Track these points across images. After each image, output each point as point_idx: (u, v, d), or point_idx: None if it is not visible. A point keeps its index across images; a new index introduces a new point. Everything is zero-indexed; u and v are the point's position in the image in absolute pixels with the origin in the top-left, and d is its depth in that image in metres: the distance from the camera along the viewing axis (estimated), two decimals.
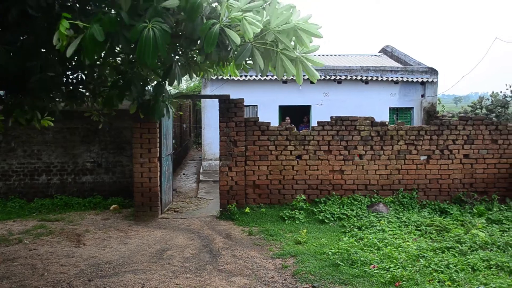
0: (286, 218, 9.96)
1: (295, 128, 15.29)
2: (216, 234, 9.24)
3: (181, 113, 16.77)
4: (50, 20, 4.83)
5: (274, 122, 15.53)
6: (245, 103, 15.97)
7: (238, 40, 4.69)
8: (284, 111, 17.03)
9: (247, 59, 5.27)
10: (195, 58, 6.20)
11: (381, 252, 7.42)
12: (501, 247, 7.68)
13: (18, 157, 11.88)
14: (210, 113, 16.58)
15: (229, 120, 10.42)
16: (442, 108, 21.89)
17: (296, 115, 17.38)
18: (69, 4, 5.09)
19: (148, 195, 10.37)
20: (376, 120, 10.86)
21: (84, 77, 6.85)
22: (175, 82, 8.17)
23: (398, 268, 6.70)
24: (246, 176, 10.63)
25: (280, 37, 4.85)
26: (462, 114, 14.84)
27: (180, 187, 15.19)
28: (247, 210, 10.32)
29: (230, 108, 10.43)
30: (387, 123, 10.77)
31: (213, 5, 5.31)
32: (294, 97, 16.87)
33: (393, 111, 17.33)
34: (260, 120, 10.84)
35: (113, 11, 4.65)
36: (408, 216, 9.68)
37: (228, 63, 6.25)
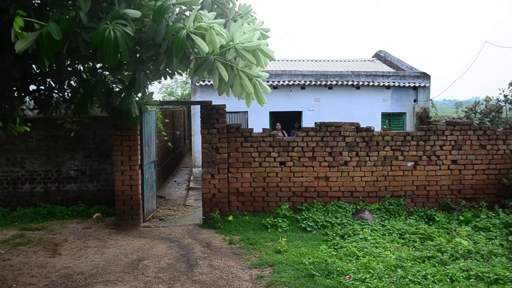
0: (268, 226, 9.78)
1: (286, 134, 15.20)
2: (196, 243, 9.06)
3: (167, 120, 16.56)
4: (3, 25, 4.70)
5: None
6: (236, 110, 15.97)
7: (206, 48, 4.56)
8: (275, 117, 16.87)
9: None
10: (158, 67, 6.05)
11: (359, 262, 7.22)
12: (484, 256, 7.46)
13: (1, 165, 11.72)
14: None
15: (211, 127, 10.25)
16: (436, 112, 21.68)
17: (287, 121, 17.20)
18: (25, 8, 4.95)
19: (129, 203, 10.19)
20: (362, 126, 10.66)
21: (52, 84, 6.74)
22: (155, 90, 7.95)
23: (374, 279, 6.50)
24: (229, 183, 10.45)
25: (245, 54, 4.72)
26: (449, 119, 14.63)
27: (170, 194, 15.01)
28: (230, 218, 10.13)
29: (211, 115, 10.25)
30: (372, 128, 10.57)
31: (186, 13, 5.19)
32: (285, 103, 16.71)
33: (386, 116, 17.15)
34: (243, 127, 10.68)
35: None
36: (393, 224, 9.47)
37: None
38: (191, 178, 16.91)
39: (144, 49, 5.17)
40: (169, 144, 16.81)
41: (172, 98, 29.20)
